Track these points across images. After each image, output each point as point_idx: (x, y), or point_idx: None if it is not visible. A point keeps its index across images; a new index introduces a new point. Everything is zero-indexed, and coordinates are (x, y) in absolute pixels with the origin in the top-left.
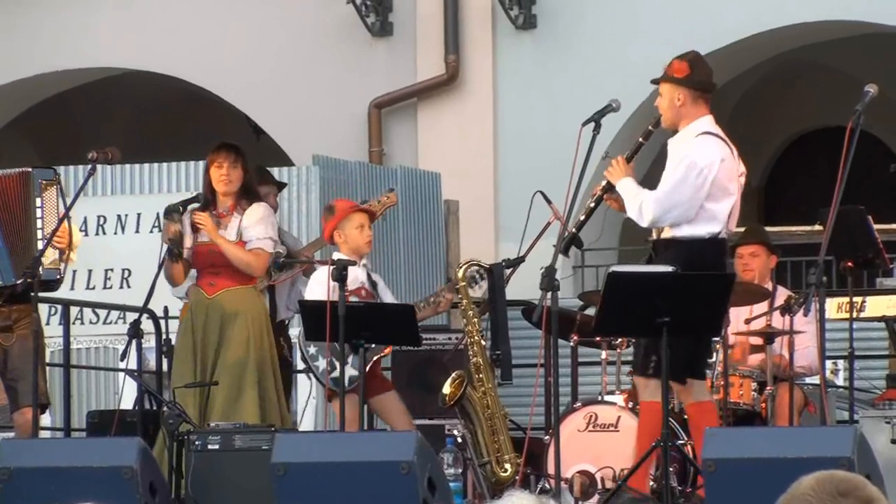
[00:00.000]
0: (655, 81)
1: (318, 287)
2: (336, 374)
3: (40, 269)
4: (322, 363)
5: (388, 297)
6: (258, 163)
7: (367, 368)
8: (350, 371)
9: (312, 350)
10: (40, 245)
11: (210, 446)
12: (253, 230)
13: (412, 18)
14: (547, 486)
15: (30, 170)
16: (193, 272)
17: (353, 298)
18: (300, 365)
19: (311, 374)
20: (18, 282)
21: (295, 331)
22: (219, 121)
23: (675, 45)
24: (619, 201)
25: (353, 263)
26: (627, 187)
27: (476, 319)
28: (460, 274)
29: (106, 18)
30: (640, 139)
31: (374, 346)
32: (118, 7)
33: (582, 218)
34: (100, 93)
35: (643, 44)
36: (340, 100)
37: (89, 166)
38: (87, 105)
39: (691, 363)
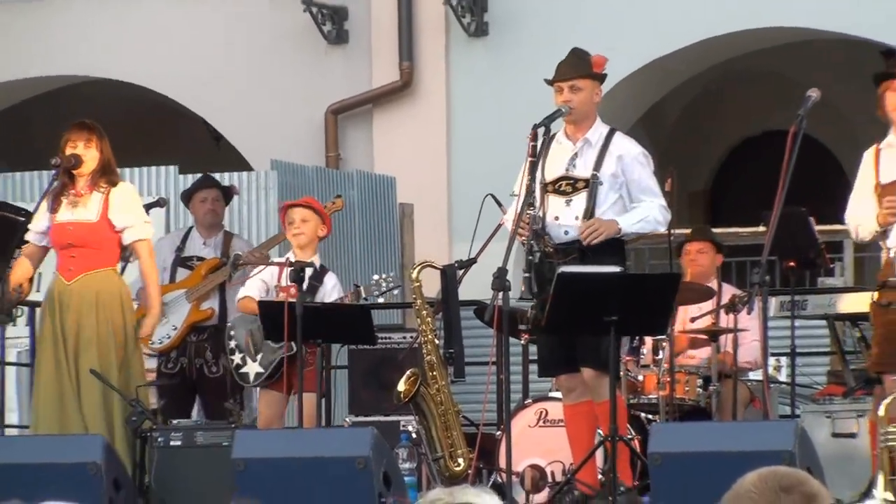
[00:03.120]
0: (587, 75)
1: (258, 280)
2: (244, 369)
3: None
4: (236, 358)
5: (336, 294)
6: (217, 168)
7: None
8: (256, 368)
9: (233, 344)
10: None
11: (172, 442)
12: (127, 217)
13: (367, 26)
14: (499, 479)
15: None
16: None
17: (282, 295)
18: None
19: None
20: None
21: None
22: (178, 127)
23: (620, 52)
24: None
25: (311, 265)
26: (627, 222)
27: (430, 319)
28: (414, 275)
29: (64, 27)
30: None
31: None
32: (77, 15)
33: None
34: (60, 101)
35: (591, 45)
36: (298, 106)
37: (53, 171)
38: (48, 113)
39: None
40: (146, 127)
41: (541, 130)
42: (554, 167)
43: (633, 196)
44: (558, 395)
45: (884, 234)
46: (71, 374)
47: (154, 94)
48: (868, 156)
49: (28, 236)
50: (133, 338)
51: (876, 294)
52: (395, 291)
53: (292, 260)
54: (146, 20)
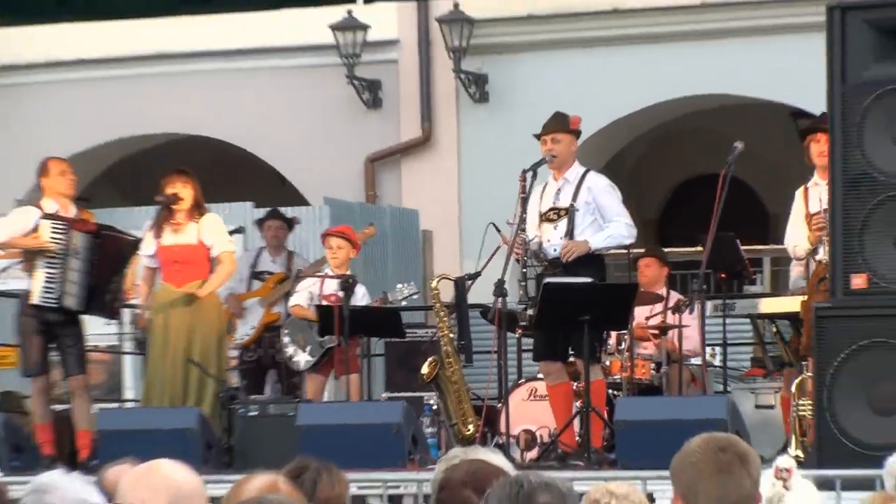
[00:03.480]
0: (565, 130)
1: (305, 289)
2: (295, 358)
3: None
4: (290, 350)
5: (365, 300)
6: (282, 204)
7: (334, 354)
8: (306, 357)
9: (286, 340)
10: None
11: (250, 413)
12: (214, 237)
13: (396, 95)
14: (500, 441)
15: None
16: None
17: (325, 301)
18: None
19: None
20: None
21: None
22: (253, 172)
23: (591, 114)
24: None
25: (355, 281)
26: (597, 240)
27: (446, 318)
28: (433, 284)
29: (169, 97)
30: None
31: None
32: (181, 88)
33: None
34: (165, 151)
35: (569, 108)
36: (344, 156)
37: (157, 206)
38: (158, 160)
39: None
40: (229, 172)
41: (529, 174)
42: (545, 202)
43: (605, 218)
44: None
45: (814, 251)
46: (174, 360)
47: (234, 146)
48: (798, 193)
49: (141, 261)
50: (222, 332)
51: (806, 297)
52: (416, 296)
53: (330, 274)
54: (230, 92)
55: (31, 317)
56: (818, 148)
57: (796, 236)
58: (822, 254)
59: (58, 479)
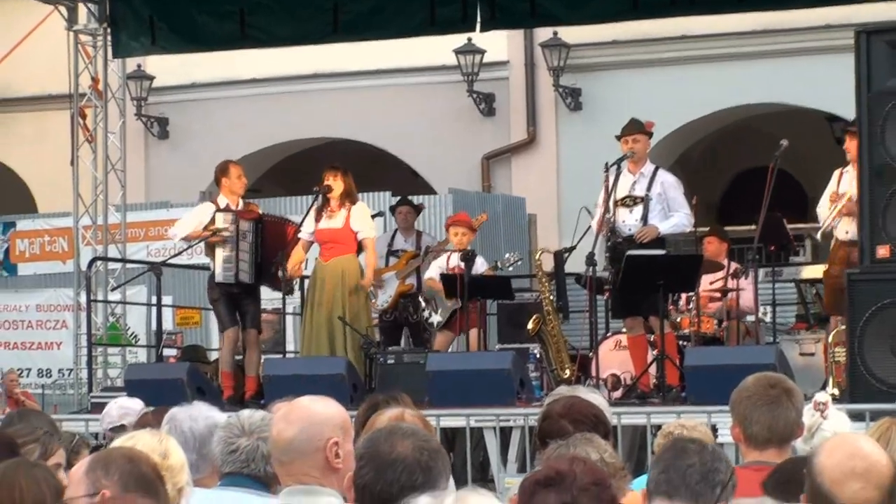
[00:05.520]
0: (643, 132)
1: (436, 266)
2: (431, 319)
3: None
4: (426, 313)
5: (482, 270)
6: (414, 193)
7: (458, 315)
8: (438, 318)
9: (423, 304)
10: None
11: (388, 361)
12: (361, 224)
13: (507, 105)
14: (591, 383)
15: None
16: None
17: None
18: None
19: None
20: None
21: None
22: (390, 168)
23: (665, 118)
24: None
25: (475, 254)
26: (664, 226)
27: (547, 284)
28: (537, 257)
29: (326, 108)
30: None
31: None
32: (335, 102)
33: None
34: (323, 152)
35: (645, 115)
36: (464, 154)
37: (313, 195)
38: (315, 159)
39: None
40: (372, 168)
41: (612, 168)
42: (620, 190)
43: (671, 208)
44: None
45: (833, 227)
46: (327, 319)
47: (376, 147)
48: (836, 173)
49: (301, 235)
50: (365, 297)
51: (827, 266)
52: (519, 262)
53: (452, 251)
54: (373, 103)
55: (218, 289)
56: (849, 143)
57: (825, 204)
58: (840, 232)
59: (185, 409)
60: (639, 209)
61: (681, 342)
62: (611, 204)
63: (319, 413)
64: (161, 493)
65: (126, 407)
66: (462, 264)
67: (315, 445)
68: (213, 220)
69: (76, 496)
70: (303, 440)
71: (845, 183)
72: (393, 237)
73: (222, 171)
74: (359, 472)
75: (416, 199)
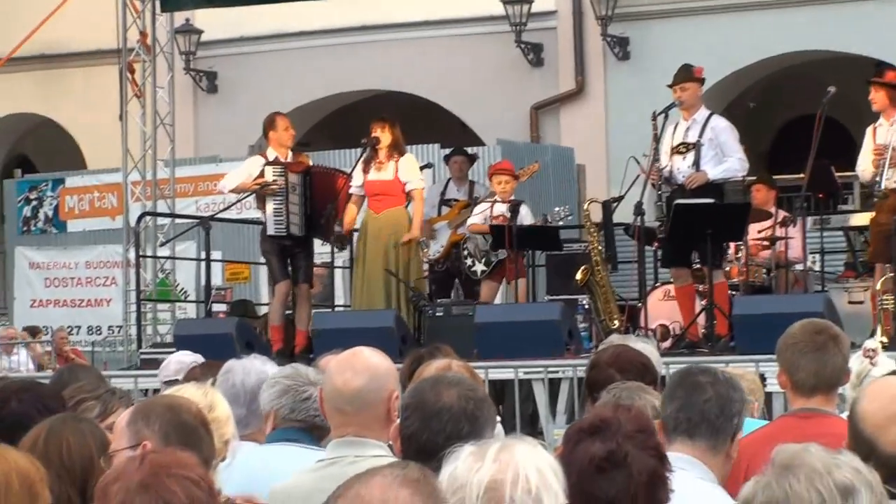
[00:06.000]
0: (691, 79)
1: (478, 213)
2: (474, 268)
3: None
4: (468, 261)
5: (528, 220)
6: (463, 144)
7: (504, 264)
8: (481, 267)
9: (465, 252)
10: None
11: (437, 313)
12: (410, 175)
13: (555, 55)
14: (640, 333)
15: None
16: None
17: (495, 221)
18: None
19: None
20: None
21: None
22: (438, 120)
23: (715, 66)
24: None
25: (520, 204)
26: (715, 172)
27: (595, 234)
28: (585, 206)
29: (374, 58)
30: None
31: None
32: (384, 53)
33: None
34: (372, 104)
35: (694, 62)
36: (513, 104)
37: (361, 148)
38: (364, 112)
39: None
40: (421, 119)
41: (660, 116)
42: (676, 137)
43: (724, 153)
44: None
45: (876, 176)
46: (376, 272)
47: (425, 99)
48: (868, 130)
49: (351, 190)
50: (415, 249)
51: (873, 215)
52: (570, 217)
53: (498, 200)
54: (422, 54)
55: (269, 241)
56: (874, 94)
57: (864, 163)
58: (885, 182)
59: (240, 361)
60: (691, 156)
61: (729, 291)
62: (662, 153)
63: (383, 364)
64: (204, 441)
65: (182, 361)
66: (507, 213)
67: (380, 396)
68: (262, 174)
69: (119, 448)
70: (370, 390)
71: (882, 135)
72: (446, 187)
73: (269, 123)
74: (404, 423)
75: (468, 150)
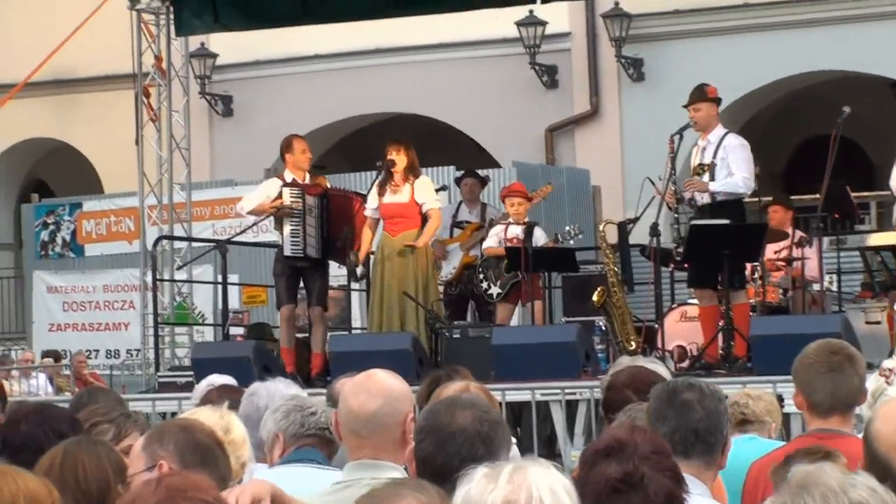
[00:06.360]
0: (704, 100)
1: (493, 234)
2: (489, 291)
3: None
4: (484, 284)
5: (542, 242)
6: (478, 166)
7: (519, 286)
8: (497, 290)
9: (481, 276)
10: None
11: (454, 335)
12: (426, 196)
13: (570, 77)
14: (657, 355)
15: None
16: None
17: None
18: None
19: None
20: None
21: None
22: (454, 142)
23: (730, 86)
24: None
25: (535, 225)
26: (715, 185)
27: (611, 255)
28: (601, 228)
29: (389, 84)
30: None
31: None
32: (399, 76)
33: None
34: (387, 126)
35: (708, 83)
36: (528, 126)
37: (376, 171)
38: (379, 134)
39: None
40: (436, 141)
41: (676, 137)
42: (695, 158)
43: (730, 170)
44: (693, 301)
45: None
46: (393, 294)
47: (440, 121)
48: None
49: (367, 213)
50: (432, 272)
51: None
52: (580, 235)
53: (513, 222)
54: (437, 77)
55: (283, 263)
56: None
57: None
58: None
59: (265, 384)
60: (706, 177)
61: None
62: (687, 173)
63: (398, 387)
64: (220, 460)
65: (213, 383)
66: (521, 235)
67: (396, 419)
68: (280, 195)
69: (136, 471)
70: (386, 413)
71: None
72: (458, 209)
73: (286, 146)
74: (419, 445)
75: (480, 173)
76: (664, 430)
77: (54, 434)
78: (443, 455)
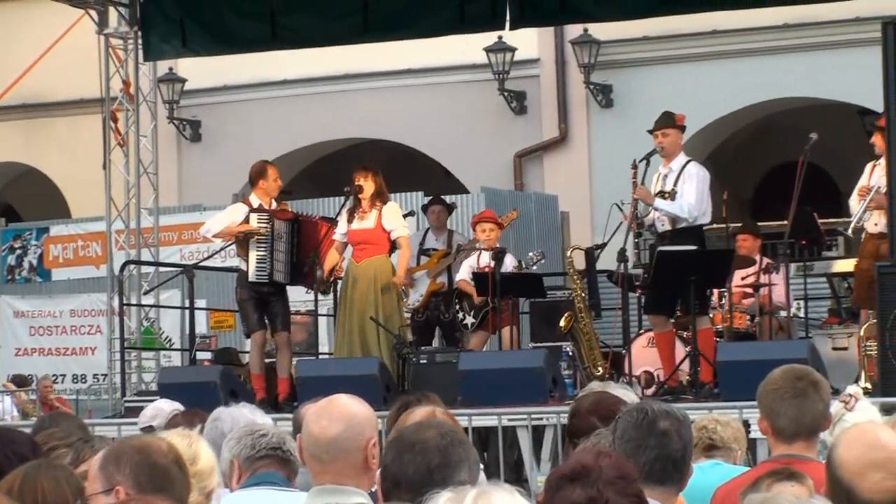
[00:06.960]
0: (672, 126)
1: (467, 265)
2: (465, 321)
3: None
4: (460, 315)
5: (510, 267)
6: (447, 192)
7: (491, 314)
8: (471, 319)
9: (457, 307)
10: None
11: (421, 361)
12: (393, 223)
13: (538, 103)
14: (624, 380)
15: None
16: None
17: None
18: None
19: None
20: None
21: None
22: (422, 168)
23: (697, 113)
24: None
25: (504, 252)
26: (660, 202)
27: (579, 281)
28: (569, 254)
29: (359, 109)
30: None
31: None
32: (367, 102)
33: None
34: (355, 152)
35: (675, 111)
36: (497, 152)
37: (344, 196)
38: (347, 160)
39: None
40: (404, 167)
41: (641, 163)
42: (658, 185)
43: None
44: None
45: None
46: (359, 320)
47: (408, 147)
48: (868, 166)
49: (335, 237)
50: (397, 298)
51: (857, 260)
52: (542, 260)
53: (484, 248)
54: (404, 103)
55: (248, 289)
56: (876, 138)
57: (854, 200)
58: (870, 225)
59: (229, 409)
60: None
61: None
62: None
63: (361, 412)
64: (177, 481)
65: (160, 409)
66: (492, 262)
67: (358, 444)
68: (246, 220)
69: (93, 493)
70: (347, 438)
71: (876, 176)
72: (424, 236)
73: (259, 172)
74: (383, 459)
75: (448, 199)
76: (644, 459)
77: (16, 457)
78: (399, 463)
